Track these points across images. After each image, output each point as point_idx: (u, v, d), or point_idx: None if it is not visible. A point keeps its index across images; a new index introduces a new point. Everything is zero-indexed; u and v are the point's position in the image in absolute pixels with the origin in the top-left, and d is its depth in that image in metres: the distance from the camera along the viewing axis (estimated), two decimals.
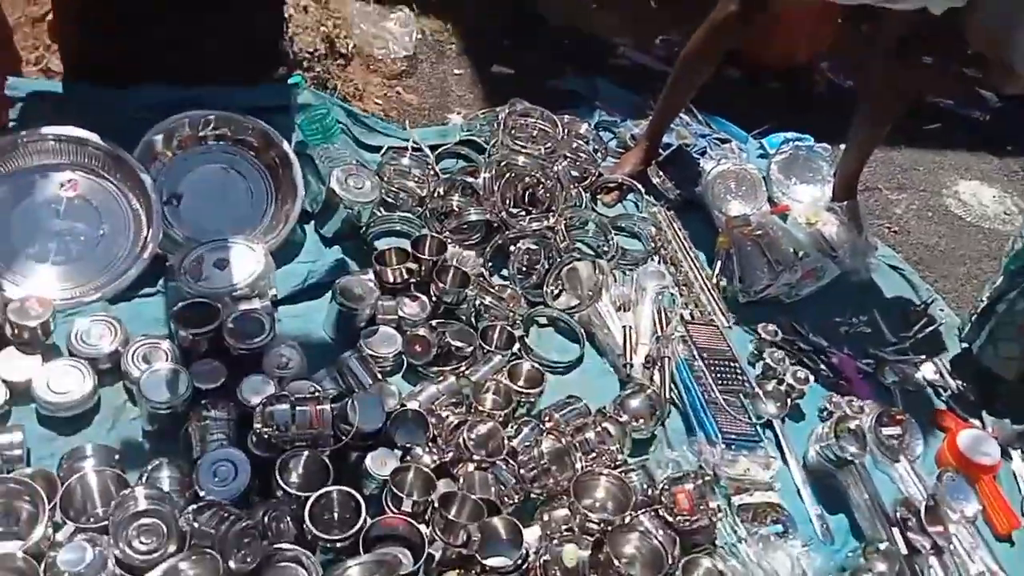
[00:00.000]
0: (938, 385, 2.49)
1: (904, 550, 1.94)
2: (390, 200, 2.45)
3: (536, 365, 2.13)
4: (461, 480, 1.79)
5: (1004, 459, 2.28)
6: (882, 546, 1.93)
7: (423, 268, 2.22)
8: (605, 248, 2.57)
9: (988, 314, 2.46)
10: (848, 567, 1.91)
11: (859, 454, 2.06)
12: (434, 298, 2.19)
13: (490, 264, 2.40)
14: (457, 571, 1.65)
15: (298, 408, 1.71)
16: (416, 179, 2.51)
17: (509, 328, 2.20)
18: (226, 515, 1.53)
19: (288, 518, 1.63)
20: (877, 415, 2.24)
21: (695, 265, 2.64)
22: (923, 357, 2.54)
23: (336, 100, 2.67)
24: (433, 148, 2.67)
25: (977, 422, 2.40)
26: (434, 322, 2.14)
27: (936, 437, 2.32)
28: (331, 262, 2.20)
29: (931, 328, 2.64)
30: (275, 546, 1.56)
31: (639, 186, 2.81)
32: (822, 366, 2.41)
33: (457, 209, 2.44)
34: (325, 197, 2.28)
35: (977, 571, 1.99)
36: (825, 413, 2.27)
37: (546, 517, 1.80)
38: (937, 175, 3.50)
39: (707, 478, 1.87)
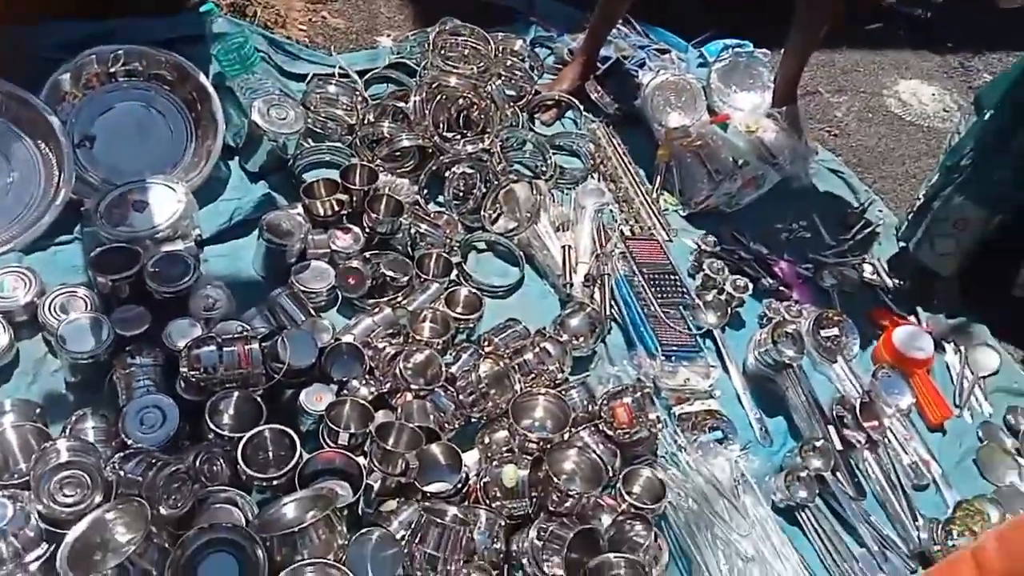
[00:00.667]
0: (876, 285, 2.51)
1: (839, 446, 1.99)
2: (317, 130, 2.38)
3: (474, 290, 2.12)
4: (399, 410, 1.78)
5: (938, 352, 2.33)
6: (818, 444, 1.97)
7: (354, 199, 2.17)
8: (543, 168, 2.54)
9: (924, 212, 2.47)
10: (785, 466, 1.95)
11: (796, 357, 2.09)
12: (367, 229, 2.15)
13: (425, 191, 2.35)
14: (397, 499, 1.65)
15: (225, 349, 1.68)
16: (344, 107, 2.43)
17: (446, 255, 2.17)
18: (154, 461, 1.50)
19: (221, 460, 1.62)
20: (815, 318, 2.27)
21: (635, 180, 2.61)
22: (861, 258, 2.56)
23: (255, 28, 2.56)
24: (361, 73, 2.59)
25: (912, 318, 2.44)
26: (368, 253, 2.11)
27: (873, 336, 2.35)
28: (257, 198, 2.14)
29: (869, 230, 2.65)
30: (208, 489, 1.55)
31: (577, 103, 2.76)
32: (763, 273, 2.42)
33: (388, 136, 2.38)
34: (248, 130, 2.20)
35: (909, 461, 2.05)
36: (765, 320, 2.29)
37: (486, 440, 1.81)
38: (877, 76, 3.47)
39: (646, 390, 1.88)
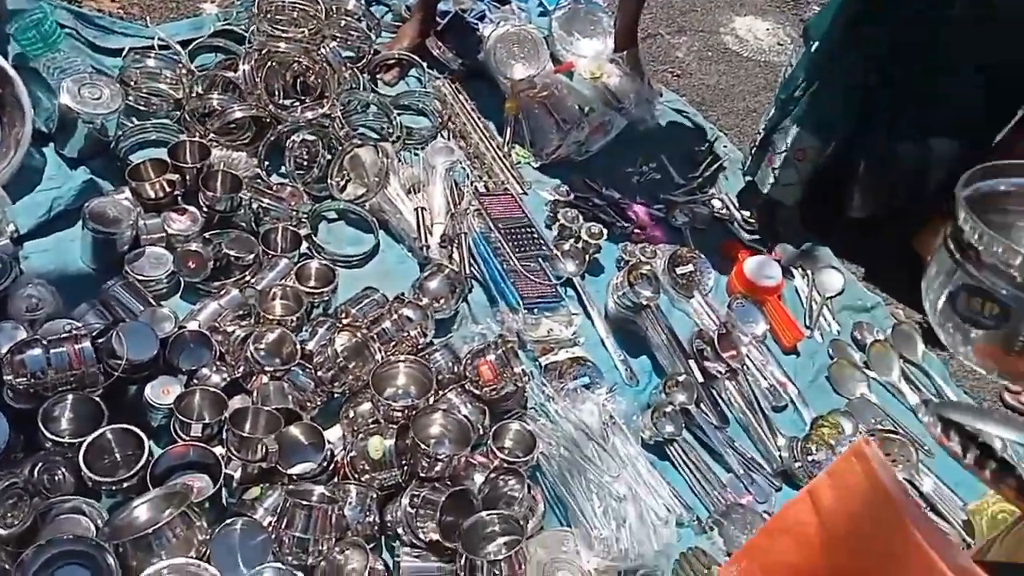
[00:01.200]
0: (725, 219, 2.59)
1: (701, 378, 2.05)
2: (141, 107, 2.22)
3: (325, 262, 2.05)
4: (255, 394, 1.71)
5: (787, 279, 2.43)
6: (681, 378, 2.02)
7: (187, 178, 2.04)
8: (389, 130, 2.46)
9: (766, 145, 2.55)
10: (652, 404, 1.99)
11: (653, 297, 2.13)
12: (205, 209, 2.03)
13: (266, 163, 2.24)
14: (260, 486, 1.59)
15: (53, 351, 1.55)
16: (168, 80, 2.28)
17: (293, 228, 2.08)
18: None
19: (63, 468, 1.51)
20: (670, 256, 2.31)
21: (485, 135, 2.58)
22: (710, 194, 2.63)
23: (58, 2, 2.35)
24: (184, 44, 2.42)
25: (763, 248, 2.52)
26: (208, 234, 1.99)
27: (726, 268, 2.42)
28: (78, 185, 1.99)
29: (716, 166, 2.72)
30: (49, 500, 1.45)
31: (419, 60, 2.69)
32: (617, 218, 2.45)
33: (219, 108, 2.24)
34: (60, 113, 2.03)
35: (767, 385, 2.13)
36: (622, 263, 2.31)
37: (351, 414, 1.76)
38: (714, 14, 3.55)
39: (509, 345, 1.87)
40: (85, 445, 1.50)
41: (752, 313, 2.26)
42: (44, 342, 1.56)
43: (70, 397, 1.56)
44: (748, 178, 2.67)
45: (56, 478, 1.50)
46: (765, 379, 2.14)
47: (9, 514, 1.38)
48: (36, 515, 1.41)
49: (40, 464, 1.49)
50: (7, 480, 1.39)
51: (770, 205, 2.59)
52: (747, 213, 2.61)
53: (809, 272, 2.49)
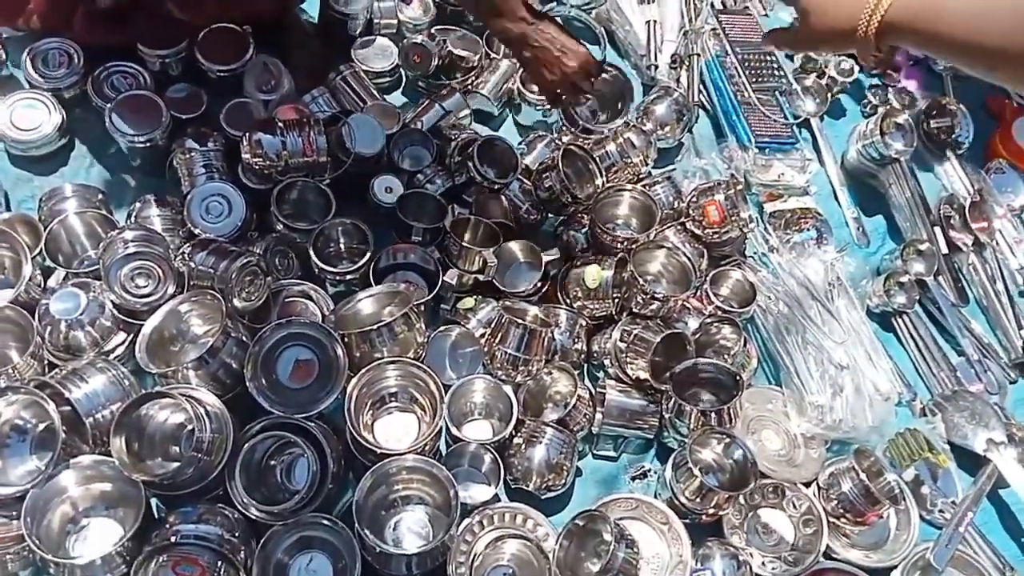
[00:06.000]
0: None
1: (944, 249, 1.84)
2: None
3: None
4: (473, 204, 1.67)
5: None
6: (922, 246, 1.83)
7: None
8: None
9: None
10: (884, 270, 1.82)
11: (905, 151, 1.90)
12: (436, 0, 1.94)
13: None
14: (474, 297, 1.58)
15: (288, 134, 1.55)
16: None
17: None
18: (225, 252, 1.43)
19: (292, 253, 1.55)
20: (926, 106, 2.04)
21: None
22: None
23: None
24: None
25: None
26: (434, 29, 1.91)
27: (989, 127, 2.12)
28: None
29: None
30: (281, 282, 1.50)
31: None
32: None
33: None
34: None
35: (1018, 265, 1.90)
36: (869, 108, 2.07)
37: (566, 237, 1.70)
38: None
39: (739, 187, 1.72)
40: (316, 232, 1.52)
41: (1013, 182, 1.99)
42: (280, 125, 1.55)
43: (302, 183, 1.57)
44: None
45: (286, 261, 1.55)
46: (1016, 258, 1.90)
47: (246, 290, 1.43)
48: (269, 293, 1.46)
49: (272, 245, 1.52)
50: (246, 257, 1.42)
51: None
52: None
53: None
